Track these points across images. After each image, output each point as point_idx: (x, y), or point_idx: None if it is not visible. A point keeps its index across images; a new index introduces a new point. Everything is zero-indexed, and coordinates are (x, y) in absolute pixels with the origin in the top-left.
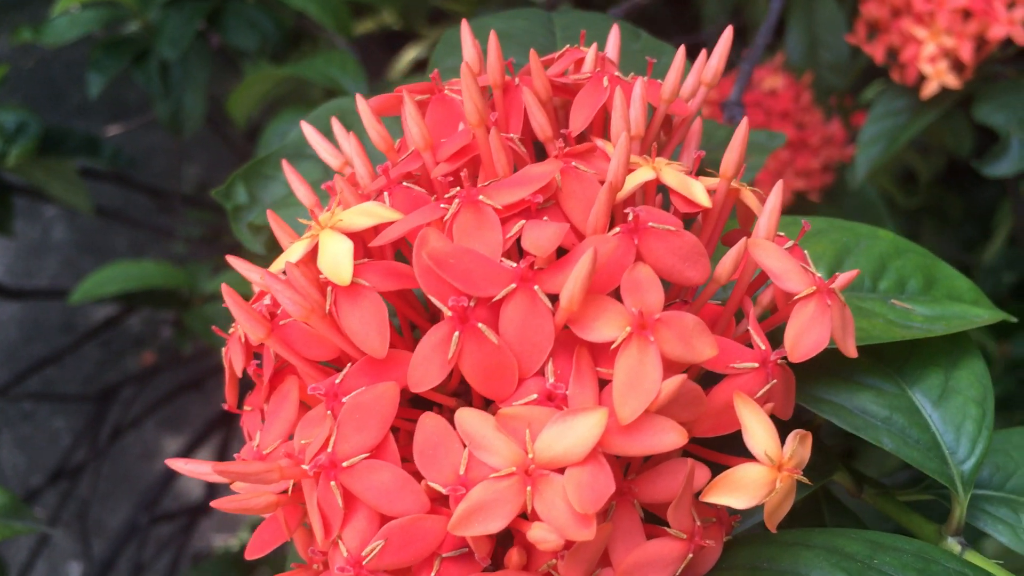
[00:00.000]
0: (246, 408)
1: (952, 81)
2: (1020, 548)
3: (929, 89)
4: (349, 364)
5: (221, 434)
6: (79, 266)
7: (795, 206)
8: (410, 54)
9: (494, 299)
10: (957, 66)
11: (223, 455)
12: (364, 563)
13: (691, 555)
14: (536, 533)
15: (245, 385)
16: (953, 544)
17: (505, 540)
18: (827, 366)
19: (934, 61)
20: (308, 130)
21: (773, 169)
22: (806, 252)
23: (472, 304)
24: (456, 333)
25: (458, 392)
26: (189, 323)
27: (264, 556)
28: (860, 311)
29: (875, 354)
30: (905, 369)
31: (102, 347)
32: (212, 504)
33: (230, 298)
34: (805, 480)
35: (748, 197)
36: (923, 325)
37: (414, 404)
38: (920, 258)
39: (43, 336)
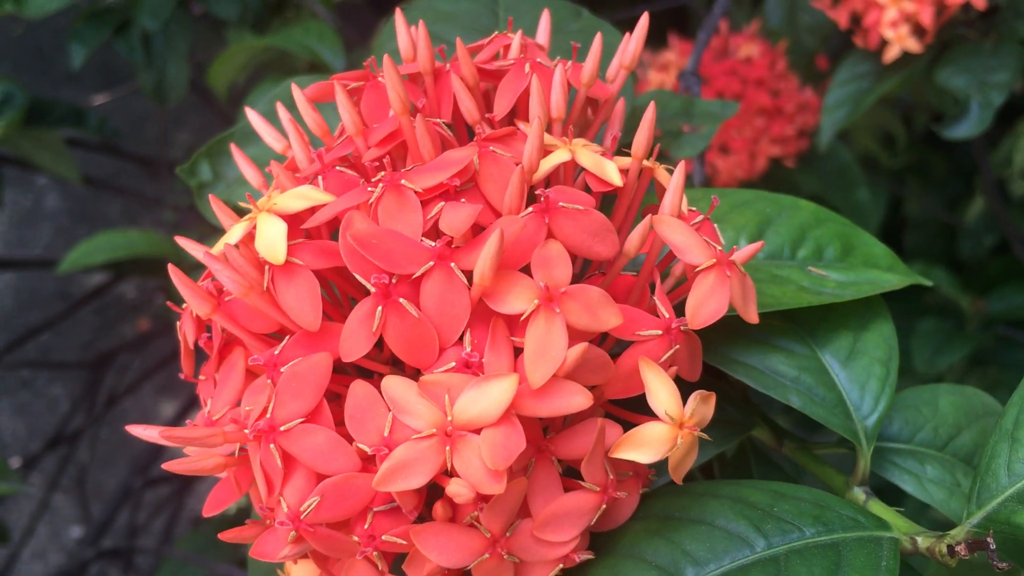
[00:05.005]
0: (201, 377)
1: (913, 45)
2: (924, 496)
3: (891, 54)
4: (288, 336)
5: None
6: (72, 234)
7: (770, 172)
8: None
9: (414, 276)
10: (918, 30)
11: None
12: (302, 517)
13: (605, 506)
14: (452, 488)
15: (201, 356)
16: (859, 493)
17: (435, 494)
18: (742, 330)
19: (895, 26)
20: (252, 116)
21: (749, 137)
22: (718, 226)
23: (394, 281)
24: (379, 308)
25: (394, 361)
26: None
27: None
28: (775, 278)
29: (790, 318)
30: (817, 332)
31: (98, 315)
32: (163, 466)
33: (176, 277)
34: (705, 437)
35: (661, 175)
36: (834, 291)
37: (359, 372)
38: (839, 227)
39: (39, 304)
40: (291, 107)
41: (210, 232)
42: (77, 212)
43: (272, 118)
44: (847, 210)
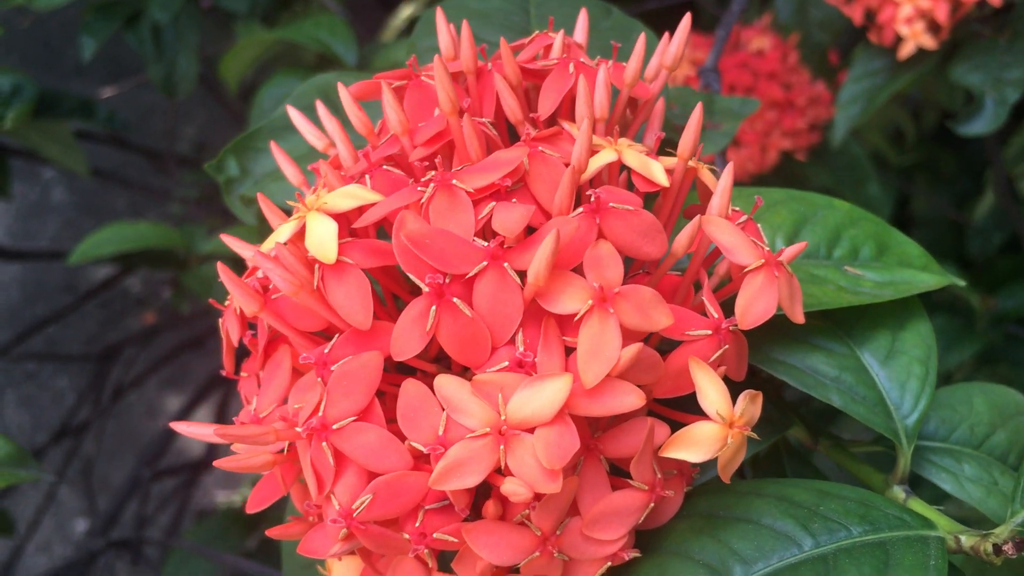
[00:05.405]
0: (243, 374)
1: (928, 42)
2: (961, 494)
3: (906, 50)
4: (337, 334)
5: (221, 391)
6: (79, 226)
7: (782, 166)
8: (405, 11)
9: (467, 275)
10: (933, 27)
11: (223, 411)
12: (354, 515)
13: (652, 505)
14: (508, 487)
15: (241, 352)
16: (898, 492)
17: (483, 493)
18: (782, 329)
19: (910, 22)
20: (294, 113)
21: (760, 130)
22: (759, 225)
23: (447, 280)
24: (433, 307)
25: (439, 359)
26: (187, 283)
27: (265, 513)
28: (813, 278)
29: (828, 317)
30: (855, 331)
31: (104, 307)
32: (215, 464)
33: (225, 275)
34: (754, 436)
35: (705, 175)
36: (872, 291)
37: (400, 370)
38: (873, 226)
39: (45, 297)
40: (308, 106)
41: (219, 225)
42: (84, 205)
43: (308, 112)
44: (857, 204)
